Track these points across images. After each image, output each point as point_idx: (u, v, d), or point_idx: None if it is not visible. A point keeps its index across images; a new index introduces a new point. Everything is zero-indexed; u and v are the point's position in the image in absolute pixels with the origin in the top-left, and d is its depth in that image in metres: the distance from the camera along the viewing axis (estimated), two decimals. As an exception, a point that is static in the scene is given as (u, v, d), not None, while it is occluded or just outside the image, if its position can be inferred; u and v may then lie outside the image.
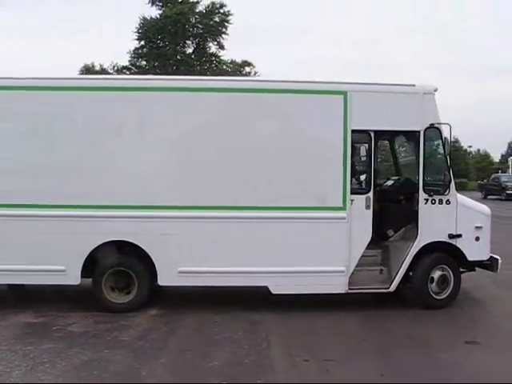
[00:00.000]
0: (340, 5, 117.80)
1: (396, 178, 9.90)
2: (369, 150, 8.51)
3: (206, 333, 7.17)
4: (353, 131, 8.20)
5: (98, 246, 7.89)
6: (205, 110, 8.13)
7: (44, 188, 7.84)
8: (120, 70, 41.30)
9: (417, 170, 8.51)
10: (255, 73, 56.88)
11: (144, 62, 40.66)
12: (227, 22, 41.28)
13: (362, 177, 8.83)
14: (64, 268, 7.88)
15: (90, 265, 7.95)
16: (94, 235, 7.89)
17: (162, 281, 8.12)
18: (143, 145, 8.06)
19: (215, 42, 41.64)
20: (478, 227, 8.63)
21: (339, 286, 8.26)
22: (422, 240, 8.39)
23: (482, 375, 5.74)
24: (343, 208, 8.20)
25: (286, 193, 8.15)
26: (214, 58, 43.13)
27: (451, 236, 8.45)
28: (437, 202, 8.44)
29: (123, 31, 72.87)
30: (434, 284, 8.48)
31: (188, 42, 41.02)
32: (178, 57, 40.02)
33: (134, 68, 40.65)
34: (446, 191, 8.48)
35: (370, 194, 8.36)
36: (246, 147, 8.21)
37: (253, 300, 8.85)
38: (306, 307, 8.33)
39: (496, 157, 73.34)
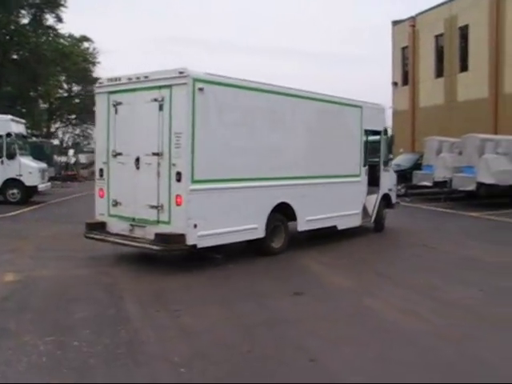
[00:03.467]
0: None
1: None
2: (366, 141, 13.72)
3: (65, 294, 7.81)
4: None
5: (273, 208, 10.61)
6: (311, 111, 11.83)
7: (244, 165, 10.07)
8: None
9: (379, 153, 14.46)
10: (94, 48, 55.50)
11: (-27, 31, 37.94)
12: (66, -7, 39.80)
13: (364, 156, 13.61)
14: (256, 226, 10.31)
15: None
16: (272, 199, 10.65)
17: (300, 228, 11.51)
18: (295, 135, 11.36)
19: (53, 14, 39.99)
20: (394, 184, 15.34)
21: (358, 221, 13.45)
22: (381, 192, 14.40)
23: (303, 318, 6.97)
24: (359, 175, 13.39)
25: (337, 166, 12.58)
26: (51, 31, 41.42)
27: (389, 189, 14.90)
28: (386, 171, 14.64)
29: None
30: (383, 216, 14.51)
31: (23, 11, 38.92)
32: (12, 27, 37.91)
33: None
34: (388, 165, 14.89)
35: (367, 167, 13.64)
36: (325, 138, 12.18)
37: (104, 266, 9.68)
38: (154, 271, 9.33)
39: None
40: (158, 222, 9.31)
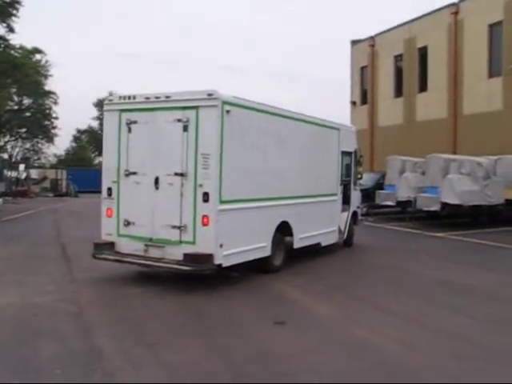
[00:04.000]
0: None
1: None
2: (341, 162, 14.25)
3: (28, 326, 7.12)
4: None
5: (277, 226, 10.97)
6: (305, 133, 12.34)
7: (258, 185, 10.39)
8: None
9: (351, 173, 14.96)
10: (46, 61, 54.06)
11: None
12: (18, 3, 38.52)
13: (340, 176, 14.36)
14: (265, 244, 10.57)
15: None
16: (276, 218, 11.01)
17: (295, 245, 11.89)
18: (293, 156, 11.78)
19: (4, 24, 38.58)
20: (360, 202, 16.23)
21: (336, 238, 14.02)
22: (352, 210, 15.03)
23: (291, 351, 6.44)
24: (337, 194, 14.02)
25: (321, 186, 13.21)
26: (2, 42, 39.96)
27: (357, 207, 15.75)
28: (355, 190, 15.36)
29: None
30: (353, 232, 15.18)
31: (-28, 20, 37.40)
32: (-39, 36, 36.44)
33: None
34: (357, 184, 15.49)
35: (342, 186, 14.32)
36: (314, 159, 12.69)
37: (67, 292, 9.01)
38: (121, 297, 8.74)
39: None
40: (181, 242, 9.28)
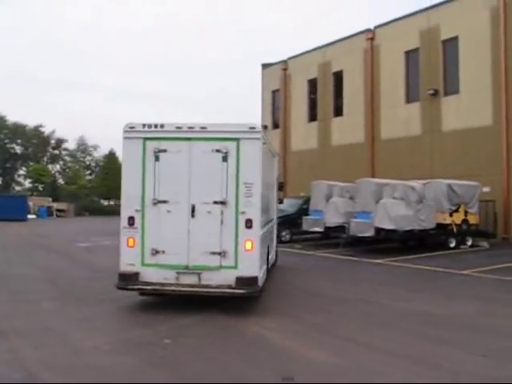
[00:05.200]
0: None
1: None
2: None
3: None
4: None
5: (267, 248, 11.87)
6: (271, 159, 13.37)
7: (265, 212, 11.21)
8: None
9: (276, 197, 15.60)
10: None
11: None
12: None
13: None
14: (265, 266, 11.26)
15: None
16: (267, 241, 11.85)
17: (268, 265, 12.45)
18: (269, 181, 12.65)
19: None
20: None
21: (274, 258, 14.88)
22: (276, 230, 15.59)
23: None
24: (275, 217, 15.01)
25: (273, 209, 14.33)
26: None
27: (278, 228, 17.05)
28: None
29: None
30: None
31: None
32: None
33: None
34: (281, 203, 17.66)
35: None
36: (270, 183, 13.16)
37: (4, 353, 7.17)
38: (76, 356, 7.07)
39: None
40: (221, 267, 9.53)
